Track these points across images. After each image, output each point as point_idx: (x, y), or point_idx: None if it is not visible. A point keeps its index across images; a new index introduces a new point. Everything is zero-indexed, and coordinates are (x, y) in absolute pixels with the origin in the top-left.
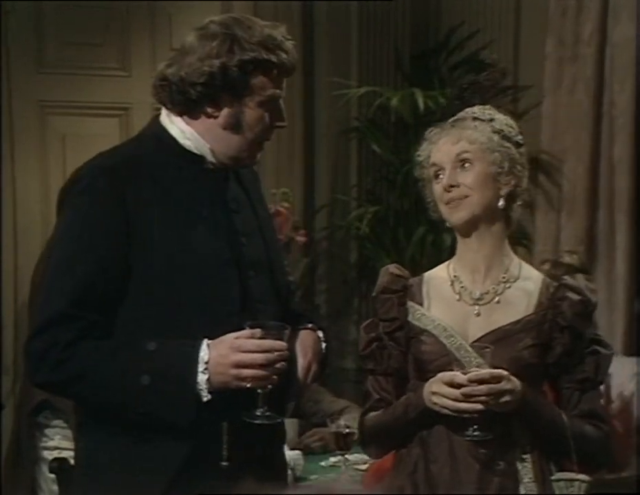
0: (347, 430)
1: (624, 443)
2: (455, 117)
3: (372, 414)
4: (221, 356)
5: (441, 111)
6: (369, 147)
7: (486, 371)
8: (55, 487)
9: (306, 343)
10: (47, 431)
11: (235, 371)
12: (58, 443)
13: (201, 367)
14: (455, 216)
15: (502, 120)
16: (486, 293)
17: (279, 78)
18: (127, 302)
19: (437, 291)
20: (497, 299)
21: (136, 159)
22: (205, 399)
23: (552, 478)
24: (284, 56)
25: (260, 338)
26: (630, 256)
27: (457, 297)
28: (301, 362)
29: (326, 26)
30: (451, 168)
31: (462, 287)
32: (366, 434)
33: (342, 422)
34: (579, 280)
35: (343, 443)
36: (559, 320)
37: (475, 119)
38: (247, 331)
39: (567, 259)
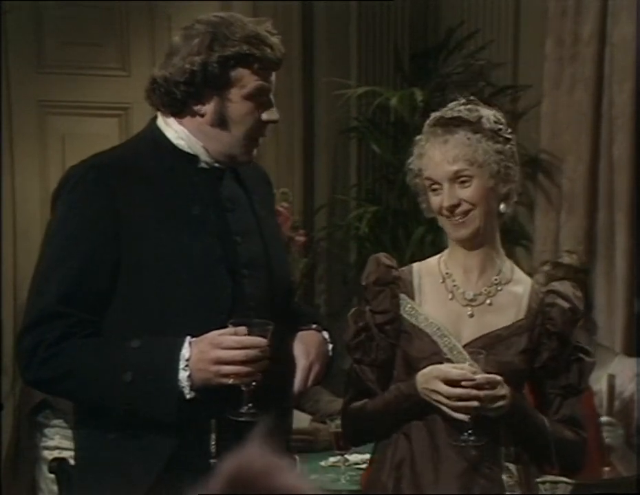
0: None
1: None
2: (441, 118)
3: (357, 403)
4: (202, 353)
5: (421, 107)
6: (369, 147)
7: (483, 376)
8: (55, 487)
9: (309, 343)
10: (46, 431)
11: (215, 368)
12: (58, 442)
13: (182, 364)
14: (459, 233)
15: (490, 116)
16: (479, 294)
17: (265, 72)
18: (117, 300)
19: (429, 286)
20: (489, 301)
21: (128, 158)
22: (188, 396)
23: (538, 480)
24: (268, 50)
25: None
26: (629, 256)
27: (450, 296)
28: (302, 363)
29: (326, 26)
30: (449, 186)
31: (454, 285)
32: (350, 423)
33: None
34: (566, 288)
35: (342, 443)
36: (549, 327)
37: (463, 123)
38: (229, 329)
39: (567, 259)
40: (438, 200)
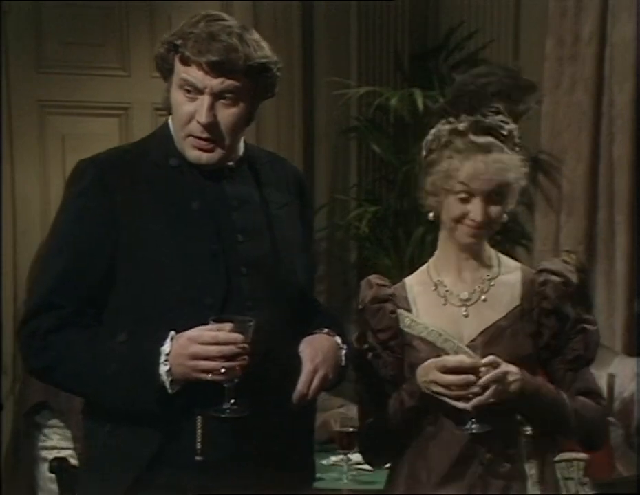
0: (352, 429)
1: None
2: (478, 122)
3: (371, 420)
4: (181, 347)
5: (451, 94)
6: (369, 147)
7: (485, 359)
8: (55, 487)
9: (317, 347)
10: (45, 431)
11: (192, 363)
12: (56, 442)
13: (162, 358)
14: (470, 239)
15: (514, 133)
16: (473, 292)
17: (197, 69)
18: (115, 294)
19: (422, 296)
20: (483, 297)
21: (130, 154)
22: (171, 391)
23: (554, 459)
24: (210, 54)
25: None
26: (629, 256)
27: (444, 301)
28: (307, 366)
29: (326, 26)
30: (482, 201)
31: (446, 290)
32: (366, 442)
33: (341, 411)
34: (557, 264)
35: (346, 442)
36: (545, 305)
37: (503, 137)
38: (212, 325)
39: (566, 260)
40: (462, 208)
